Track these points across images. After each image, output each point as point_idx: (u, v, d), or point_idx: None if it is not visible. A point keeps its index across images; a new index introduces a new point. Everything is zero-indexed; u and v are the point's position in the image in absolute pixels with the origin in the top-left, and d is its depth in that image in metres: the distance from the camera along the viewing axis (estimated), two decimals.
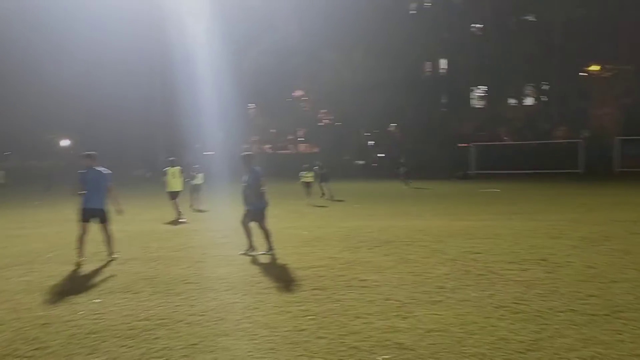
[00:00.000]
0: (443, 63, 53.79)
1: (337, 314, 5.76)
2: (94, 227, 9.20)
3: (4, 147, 62.05)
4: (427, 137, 48.93)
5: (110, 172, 9.43)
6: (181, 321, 5.64)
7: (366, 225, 13.32)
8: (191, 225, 14.41)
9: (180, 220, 15.32)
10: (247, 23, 46.67)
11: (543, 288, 6.63)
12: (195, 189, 19.87)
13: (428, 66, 54.34)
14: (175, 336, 5.19)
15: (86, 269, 8.49)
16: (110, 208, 9.40)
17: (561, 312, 5.67)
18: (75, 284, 7.41)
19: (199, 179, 20.00)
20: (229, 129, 46.58)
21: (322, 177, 24.07)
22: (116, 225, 13.03)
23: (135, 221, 15.03)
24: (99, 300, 6.52)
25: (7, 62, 47.35)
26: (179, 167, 16.61)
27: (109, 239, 9.31)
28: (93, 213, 9.14)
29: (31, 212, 19.38)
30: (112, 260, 9.11)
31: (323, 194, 23.51)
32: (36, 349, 4.91)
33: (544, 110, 48.45)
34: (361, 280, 7.28)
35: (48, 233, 13.14)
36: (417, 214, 16.08)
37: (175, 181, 16.30)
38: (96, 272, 8.25)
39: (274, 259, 8.94)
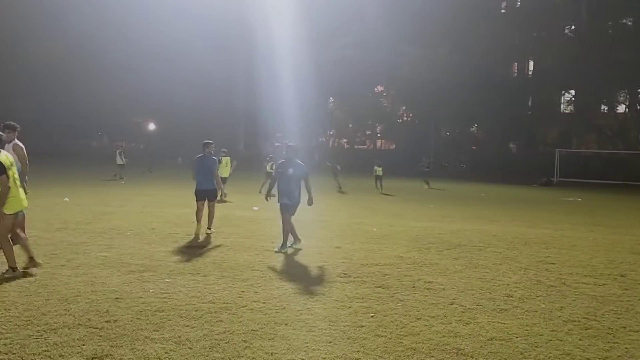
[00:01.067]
0: (531, 64, 51.89)
1: (398, 314, 5.72)
2: (170, 210, 9.54)
3: (96, 127, 65.59)
4: (510, 139, 47.44)
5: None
6: (244, 307, 5.77)
7: (438, 226, 13.11)
8: (264, 213, 14.65)
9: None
10: (330, 15, 46.71)
11: (618, 305, 6.31)
12: (269, 176, 21.35)
13: (515, 67, 52.61)
14: (237, 321, 5.32)
15: (160, 249, 8.84)
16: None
17: (634, 331, 5.38)
18: (149, 263, 7.73)
19: (269, 167, 22.04)
20: (307, 121, 46.95)
21: (335, 172, 25.64)
22: (187, 209, 13.46)
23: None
24: (168, 280, 6.78)
25: (102, 49, 50.01)
26: (229, 158, 19.60)
27: (212, 216, 10.80)
28: (206, 193, 10.58)
29: (117, 191, 20.34)
30: (209, 233, 10.48)
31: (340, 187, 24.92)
32: (107, 321, 5.16)
33: (637, 119, 45.77)
34: (427, 282, 7.19)
35: (129, 212, 13.75)
36: (493, 219, 15.66)
37: (224, 169, 18.71)
38: (169, 253, 8.57)
39: (341, 254, 8.96)
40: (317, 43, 45.78)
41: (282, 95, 42.88)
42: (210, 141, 10.93)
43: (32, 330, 4.86)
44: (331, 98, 58.03)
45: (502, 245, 10.31)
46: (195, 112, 51.60)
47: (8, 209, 6.49)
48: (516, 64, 52.49)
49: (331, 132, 62.18)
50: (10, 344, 4.54)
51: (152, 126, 60.14)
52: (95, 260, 7.76)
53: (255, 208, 15.65)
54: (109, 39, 50.04)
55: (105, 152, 51.49)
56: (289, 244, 9.29)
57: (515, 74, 52.60)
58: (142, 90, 51.69)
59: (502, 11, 52.04)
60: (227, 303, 5.89)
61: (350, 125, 60.32)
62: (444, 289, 6.86)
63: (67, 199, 16.07)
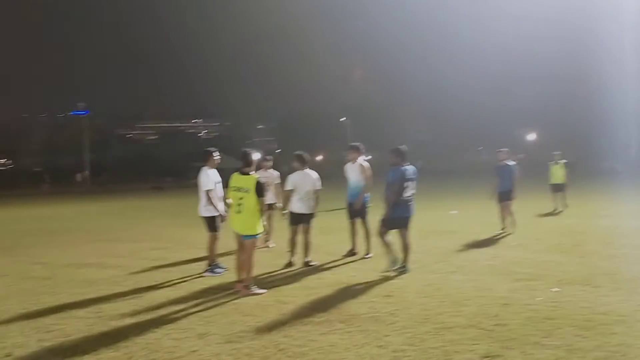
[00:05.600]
0: None
1: None
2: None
3: (476, 143, 68.42)
4: None
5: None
6: None
7: None
8: None
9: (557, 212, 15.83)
10: None
11: None
12: None
13: None
14: (635, 334, 4.97)
15: (546, 259, 8.73)
16: None
17: None
18: (535, 272, 7.70)
19: None
20: None
21: None
22: (577, 219, 12.98)
23: (597, 215, 14.56)
24: (557, 289, 6.68)
25: (474, 68, 52.32)
26: (564, 161, 16.86)
27: None
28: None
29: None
30: None
31: None
32: (496, 324, 5.41)
33: None
34: None
35: (536, 222, 13.69)
36: None
37: (556, 175, 16.58)
38: (556, 263, 8.39)
39: None
40: None
41: None
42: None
43: (430, 327, 5.43)
44: None
45: None
46: (579, 116, 49.35)
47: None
48: None
49: None
50: (412, 337, 5.16)
51: (532, 136, 59.52)
52: (482, 268, 8.12)
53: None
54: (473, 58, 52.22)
55: (487, 166, 53.27)
56: (394, 264, 7.96)
57: None
58: (521, 102, 52.24)
59: None
60: (623, 315, 5.51)
61: None
62: None
63: (454, 212, 17.10)
